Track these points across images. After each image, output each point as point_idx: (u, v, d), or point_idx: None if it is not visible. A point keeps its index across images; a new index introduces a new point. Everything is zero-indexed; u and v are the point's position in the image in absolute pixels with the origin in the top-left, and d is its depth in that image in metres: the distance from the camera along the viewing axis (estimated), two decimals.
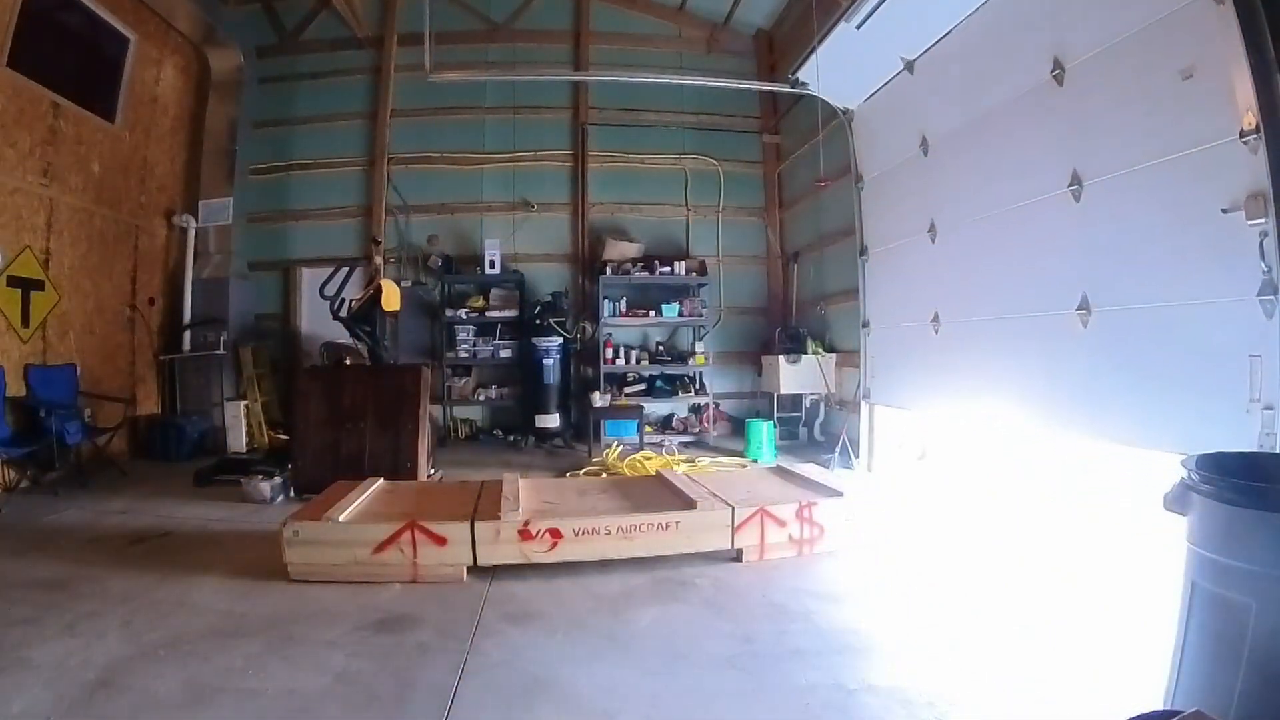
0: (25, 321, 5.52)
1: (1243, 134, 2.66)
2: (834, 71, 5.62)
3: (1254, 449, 2.58)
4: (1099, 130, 3.49)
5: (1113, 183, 3.39)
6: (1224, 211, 2.73)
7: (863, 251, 6.21)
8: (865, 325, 6.17)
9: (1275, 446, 2.53)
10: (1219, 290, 2.80)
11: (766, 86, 7.71)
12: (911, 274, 5.43)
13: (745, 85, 7.84)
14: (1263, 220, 2.57)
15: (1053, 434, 3.98)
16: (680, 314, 8.13)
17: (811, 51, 5.51)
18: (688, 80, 7.72)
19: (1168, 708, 1.74)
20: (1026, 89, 4.00)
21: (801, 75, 5.93)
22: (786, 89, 6.42)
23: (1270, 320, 2.57)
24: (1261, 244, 2.58)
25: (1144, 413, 3.18)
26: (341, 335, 6.21)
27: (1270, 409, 2.56)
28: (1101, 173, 3.46)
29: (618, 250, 8.16)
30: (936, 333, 5.02)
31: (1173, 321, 3.04)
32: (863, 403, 6.14)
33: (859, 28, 4.85)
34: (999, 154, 4.30)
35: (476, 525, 3.34)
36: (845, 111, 6.22)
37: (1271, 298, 2.56)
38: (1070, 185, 3.63)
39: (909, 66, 5.15)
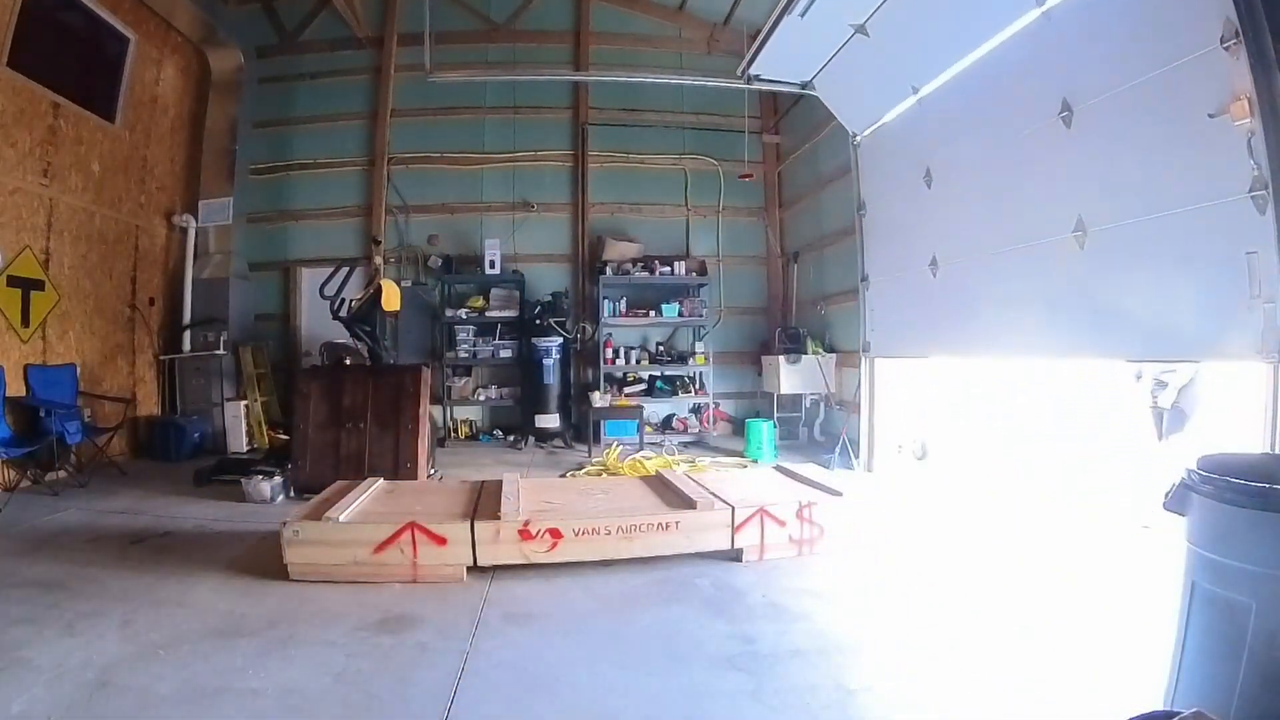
0: (25, 321, 5.52)
1: (1223, 40, 2.74)
2: (791, 59, 5.66)
3: (1257, 344, 2.65)
4: (1086, 57, 3.56)
5: (1101, 105, 3.47)
6: (1210, 117, 2.81)
7: (860, 207, 6.25)
8: (864, 279, 6.21)
9: (1278, 338, 2.59)
10: (1211, 193, 2.87)
11: (766, 86, 7.73)
12: (909, 222, 5.49)
13: (745, 85, 7.83)
14: (1248, 120, 2.66)
15: (1055, 359, 4.03)
16: (680, 314, 8.14)
17: (761, 47, 5.51)
18: (688, 80, 7.73)
19: (1168, 708, 1.74)
20: (1014, 29, 4.07)
21: (754, 70, 5.97)
22: (790, 90, 6.42)
23: (1264, 216, 2.64)
24: (1249, 142, 2.67)
25: (1147, 323, 3.23)
26: (341, 335, 6.21)
27: (1271, 303, 2.62)
28: (1090, 97, 3.54)
29: (618, 250, 8.17)
30: (935, 276, 5.07)
31: (1169, 230, 3.10)
32: (863, 357, 6.17)
33: (803, 16, 4.86)
34: (992, 93, 4.35)
35: (476, 525, 3.34)
36: (806, 85, 6.21)
37: (1263, 193, 2.63)
38: (1061, 113, 3.70)
39: (861, 29, 5.11)
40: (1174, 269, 3.08)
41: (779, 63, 5.78)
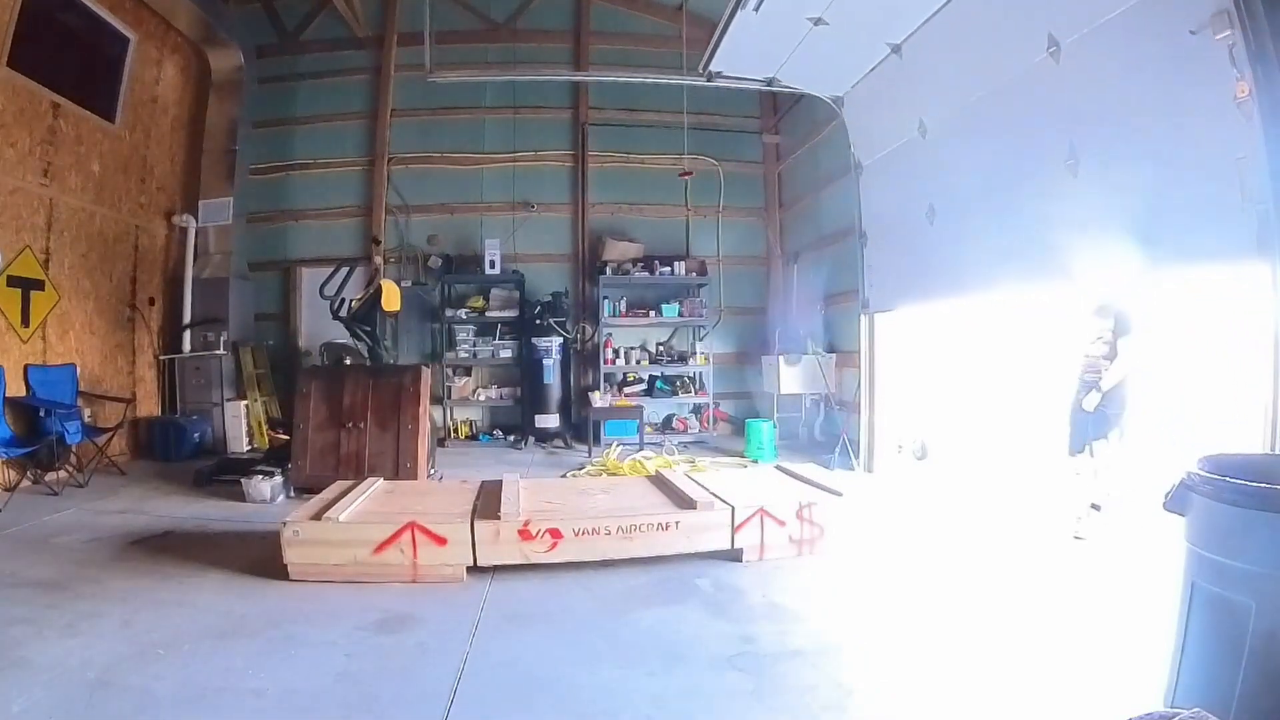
0: (25, 321, 5.52)
1: None
2: (753, 54, 5.61)
3: (1253, 248, 2.74)
4: None
5: (1088, 38, 3.56)
6: (1192, 33, 2.91)
7: (856, 166, 6.22)
8: (862, 237, 6.21)
9: (1272, 240, 2.68)
10: (1198, 106, 2.96)
11: (765, 86, 7.74)
12: (905, 176, 5.50)
13: (745, 85, 7.83)
14: (1228, 33, 2.77)
15: (1054, 285, 4.09)
16: (680, 314, 8.15)
17: (718, 44, 5.42)
18: (688, 80, 7.72)
19: (1168, 708, 1.74)
20: None
21: (714, 67, 5.87)
22: (788, 89, 6.39)
23: (1250, 121, 2.74)
24: (1230, 53, 2.77)
25: (1143, 239, 3.29)
26: (341, 335, 6.21)
27: (1263, 204, 2.71)
28: (1076, 31, 3.61)
29: (618, 250, 8.17)
30: (932, 224, 5.11)
31: (1160, 147, 3.19)
32: (862, 316, 6.16)
33: (757, 11, 4.80)
34: (978, 37, 4.37)
35: (476, 525, 3.34)
36: (770, 81, 6.14)
37: (1248, 100, 2.74)
38: (1049, 49, 3.77)
39: (819, 21, 4.98)
40: (1168, 183, 3.17)
41: (740, 59, 5.70)
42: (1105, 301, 4.06)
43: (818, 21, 4.88)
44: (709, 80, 6.10)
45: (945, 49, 4.69)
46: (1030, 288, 4.31)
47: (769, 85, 6.18)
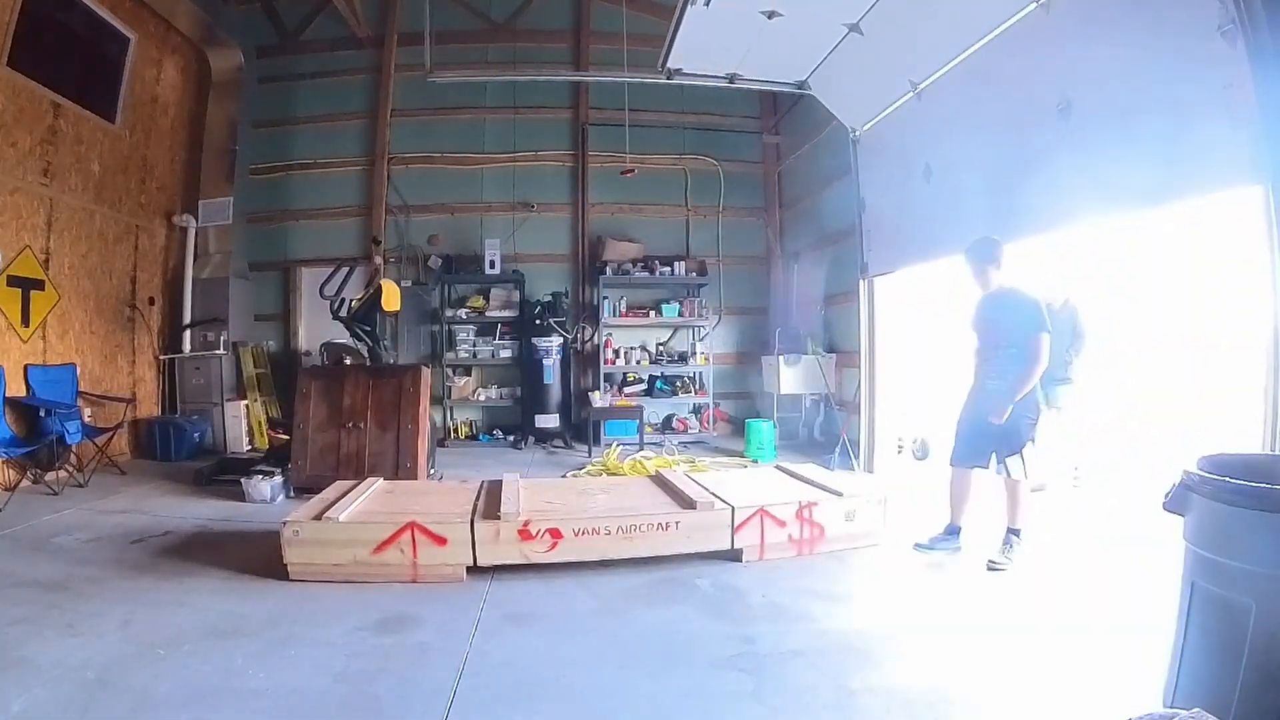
0: (25, 321, 5.52)
1: None
2: (711, 51, 5.60)
3: (1248, 169, 2.77)
4: None
5: None
6: None
7: (852, 135, 6.18)
8: (860, 202, 6.20)
9: (1264, 159, 2.71)
10: (1184, 38, 3.04)
11: (766, 86, 7.73)
12: (900, 138, 5.50)
13: (744, 85, 7.82)
14: None
15: (1053, 232, 4.13)
16: (680, 314, 8.16)
17: (673, 41, 5.37)
18: (688, 80, 7.71)
19: (1168, 708, 1.74)
20: None
21: (673, 64, 5.82)
22: (789, 89, 6.38)
23: (1235, 49, 2.81)
24: None
25: (1139, 174, 3.31)
26: (341, 335, 6.21)
27: (1252, 127, 2.77)
28: None
29: (618, 250, 8.17)
30: (929, 183, 5.13)
31: (1150, 84, 3.26)
32: (862, 283, 6.17)
33: (708, 5, 4.75)
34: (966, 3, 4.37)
35: (476, 525, 3.34)
36: (732, 78, 6.13)
37: (1231, 27, 2.81)
38: (1040, 1, 3.81)
39: (773, 14, 4.95)
40: (1160, 118, 3.21)
41: (699, 55, 5.66)
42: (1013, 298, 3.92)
43: (771, 15, 4.86)
44: (669, 78, 6.06)
45: (918, 11, 4.62)
46: (1028, 240, 4.28)
47: (730, 82, 6.14)
